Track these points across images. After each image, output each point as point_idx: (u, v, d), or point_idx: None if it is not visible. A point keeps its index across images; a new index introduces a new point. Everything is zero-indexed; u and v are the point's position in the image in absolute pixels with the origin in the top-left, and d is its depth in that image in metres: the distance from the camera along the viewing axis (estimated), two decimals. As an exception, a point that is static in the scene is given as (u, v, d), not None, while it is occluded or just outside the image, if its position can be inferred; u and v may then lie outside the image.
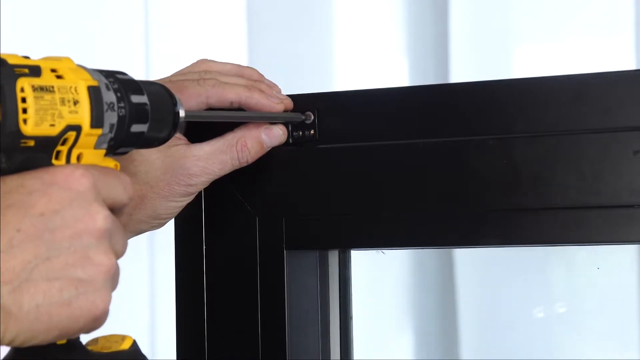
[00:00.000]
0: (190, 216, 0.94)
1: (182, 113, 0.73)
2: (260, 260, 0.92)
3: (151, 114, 0.69)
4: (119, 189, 0.66)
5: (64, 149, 0.64)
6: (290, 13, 1.56)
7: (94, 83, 0.65)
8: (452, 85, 1.01)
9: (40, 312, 0.60)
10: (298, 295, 0.93)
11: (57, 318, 0.61)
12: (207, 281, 0.94)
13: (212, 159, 0.86)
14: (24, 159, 0.62)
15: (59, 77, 0.63)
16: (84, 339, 0.67)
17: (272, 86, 0.91)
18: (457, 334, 1.48)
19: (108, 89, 0.66)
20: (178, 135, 0.84)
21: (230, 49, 1.56)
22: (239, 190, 0.93)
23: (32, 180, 0.62)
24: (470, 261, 1.47)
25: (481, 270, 1.47)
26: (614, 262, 1.38)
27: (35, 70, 0.62)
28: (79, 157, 0.65)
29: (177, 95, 0.73)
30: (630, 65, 1.40)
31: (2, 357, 0.64)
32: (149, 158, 0.85)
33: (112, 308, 0.64)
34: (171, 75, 0.89)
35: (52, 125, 0.62)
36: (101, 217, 0.63)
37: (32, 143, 0.62)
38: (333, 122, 0.91)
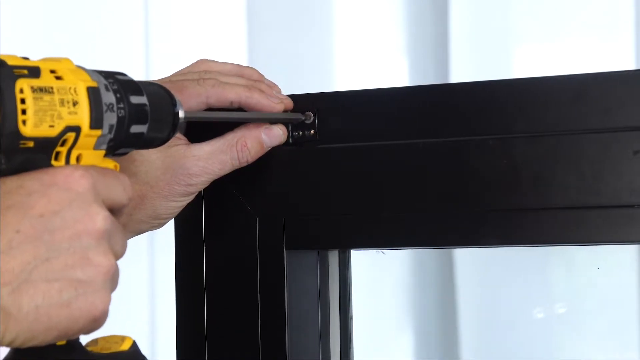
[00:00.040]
0: (190, 216, 0.94)
1: (181, 114, 0.73)
2: (260, 260, 0.92)
3: (151, 115, 0.69)
4: (119, 190, 0.66)
5: (63, 149, 0.64)
6: (290, 13, 1.56)
7: (93, 84, 0.65)
8: (452, 85, 1.01)
9: (39, 313, 0.60)
10: (298, 296, 0.93)
11: (57, 319, 0.61)
12: (207, 281, 0.94)
13: (212, 159, 0.86)
14: (24, 159, 0.62)
15: (58, 78, 0.63)
16: (84, 339, 0.67)
17: (272, 86, 0.91)
18: (457, 334, 1.48)
19: (107, 89, 0.66)
20: (178, 135, 0.84)
21: (230, 49, 1.56)
22: (239, 190, 0.93)
23: (31, 181, 0.62)
24: (470, 261, 1.47)
25: (481, 270, 1.47)
26: (614, 262, 1.38)
27: (34, 72, 0.62)
28: (78, 158, 0.65)
29: (177, 96, 0.73)
30: (630, 65, 1.40)
31: (2, 357, 0.64)
32: (149, 158, 0.85)
33: (112, 308, 0.64)
34: (171, 76, 0.89)
35: (52, 126, 0.62)
36: (100, 218, 0.63)
37: (31, 144, 0.62)
38: (333, 122, 0.90)
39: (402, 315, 1.54)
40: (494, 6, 1.46)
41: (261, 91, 0.88)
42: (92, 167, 0.64)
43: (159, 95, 0.71)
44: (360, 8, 1.54)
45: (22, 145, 0.61)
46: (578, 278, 1.43)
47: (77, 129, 0.63)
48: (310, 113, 0.91)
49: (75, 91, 0.64)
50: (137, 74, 0.90)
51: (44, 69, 0.63)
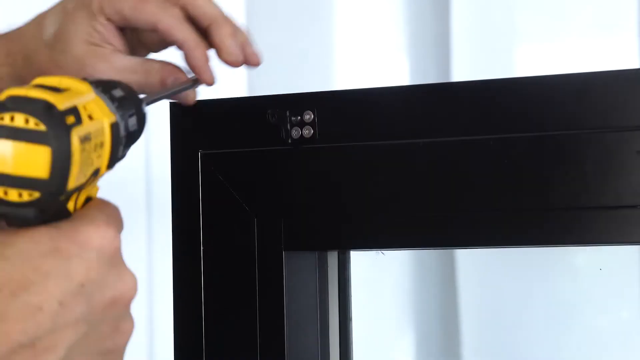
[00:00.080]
0: (188, 217, 0.93)
1: (145, 110, 0.66)
2: (259, 261, 0.92)
3: (137, 135, 0.63)
4: (121, 222, 0.62)
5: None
6: (291, 12, 1.56)
7: (113, 118, 0.59)
8: (453, 84, 1.00)
9: None
10: (297, 297, 0.93)
11: None
12: (205, 282, 0.93)
13: (122, 73, 0.85)
14: (55, 211, 0.57)
15: (90, 117, 0.57)
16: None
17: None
18: (458, 335, 1.48)
19: (122, 119, 0.60)
20: (115, 40, 0.85)
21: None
22: (237, 190, 0.92)
23: (67, 243, 0.57)
24: (471, 261, 1.46)
25: (482, 270, 1.47)
26: (617, 262, 1.38)
27: (76, 114, 0.55)
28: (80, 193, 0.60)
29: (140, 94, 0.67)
30: (634, 64, 1.39)
31: None
32: (74, 52, 0.85)
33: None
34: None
35: (85, 175, 0.57)
36: (132, 284, 0.60)
37: (64, 197, 0.57)
38: (333, 121, 0.90)
39: (403, 316, 1.53)
40: (495, 4, 1.46)
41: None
42: (112, 218, 0.60)
43: (139, 106, 0.64)
44: (360, 7, 1.54)
45: (59, 199, 0.56)
46: (580, 278, 1.43)
47: (97, 172, 0.58)
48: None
49: (102, 131, 0.57)
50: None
51: (79, 106, 0.56)
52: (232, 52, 0.86)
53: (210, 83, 0.87)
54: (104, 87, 0.60)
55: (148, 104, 0.69)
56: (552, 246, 1.09)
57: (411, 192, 0.87)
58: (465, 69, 1.45)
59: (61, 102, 0.54)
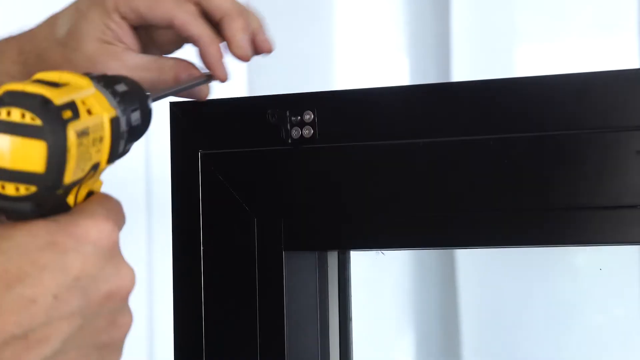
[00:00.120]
0: (188, 217, 0.93)
1: (150, 106, 0.66)
2: (259, 261, 0.92)
3: (141, 131, 0.63)
4: (123, 218, 0.62)
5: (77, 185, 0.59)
6: (291, 12, 1.56)
7: (113, 113, 0.59)
8: (453, 84, 1.00)
9: None
10: (297, 297, 0.93)
11: None
12: (205, 282, 0.93)
13: (134, 72, 0.84)
14: (52, 205, 0.57)
15: (89, 111, 0.57)
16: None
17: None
18: (458, 335, 1.48)
19: (123, 114, 0.60)
20: (129, 38, 0.85)
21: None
22: (237, 190, 0.92)
23: (64, 237, 0.57)
24: (471, 261, 1.46)
25: (482, 270, 1.47)
26: (616, 262, 1.38)
27: (73, 109, 0.55)
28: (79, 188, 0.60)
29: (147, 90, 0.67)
30: (634, 64, 1.39)
31: None
32: (84, 49, 0.85)
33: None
34: None
35: (82, 169, 0.57)
36: (130, 278, 0.59)
37: (61, 191, 0.57)
38: (333, 121, 0.90)
39: (403, 316, 1.53)
40: (495, 4, 1.46)
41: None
42: (111, 211, 0.60)
43: (144, 102, 0.64)
44: (360, 7, 1.53)
45: (56, 193, 0.56)
46: (580, 278, 1.42)
47: (97, 166, 0.58)
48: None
49: (102, 126, 0.58)
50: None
51: (77, 100, 0.56)
52: (241, 45, 0.86)
53: (223, 79, 0.87)
54: (106, 82, 0.60)
55: (156, 99, 0.69)
56: (552, 246, 1.09)
57: (411, 192, 0.87)
58: (465, 69, 1.45)
59: (58, 97, 0.55)
